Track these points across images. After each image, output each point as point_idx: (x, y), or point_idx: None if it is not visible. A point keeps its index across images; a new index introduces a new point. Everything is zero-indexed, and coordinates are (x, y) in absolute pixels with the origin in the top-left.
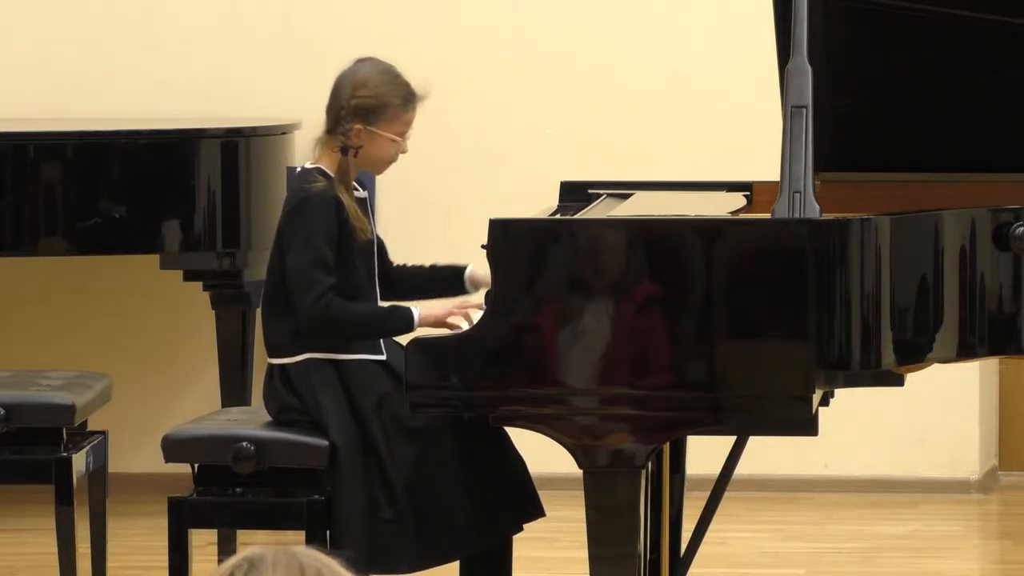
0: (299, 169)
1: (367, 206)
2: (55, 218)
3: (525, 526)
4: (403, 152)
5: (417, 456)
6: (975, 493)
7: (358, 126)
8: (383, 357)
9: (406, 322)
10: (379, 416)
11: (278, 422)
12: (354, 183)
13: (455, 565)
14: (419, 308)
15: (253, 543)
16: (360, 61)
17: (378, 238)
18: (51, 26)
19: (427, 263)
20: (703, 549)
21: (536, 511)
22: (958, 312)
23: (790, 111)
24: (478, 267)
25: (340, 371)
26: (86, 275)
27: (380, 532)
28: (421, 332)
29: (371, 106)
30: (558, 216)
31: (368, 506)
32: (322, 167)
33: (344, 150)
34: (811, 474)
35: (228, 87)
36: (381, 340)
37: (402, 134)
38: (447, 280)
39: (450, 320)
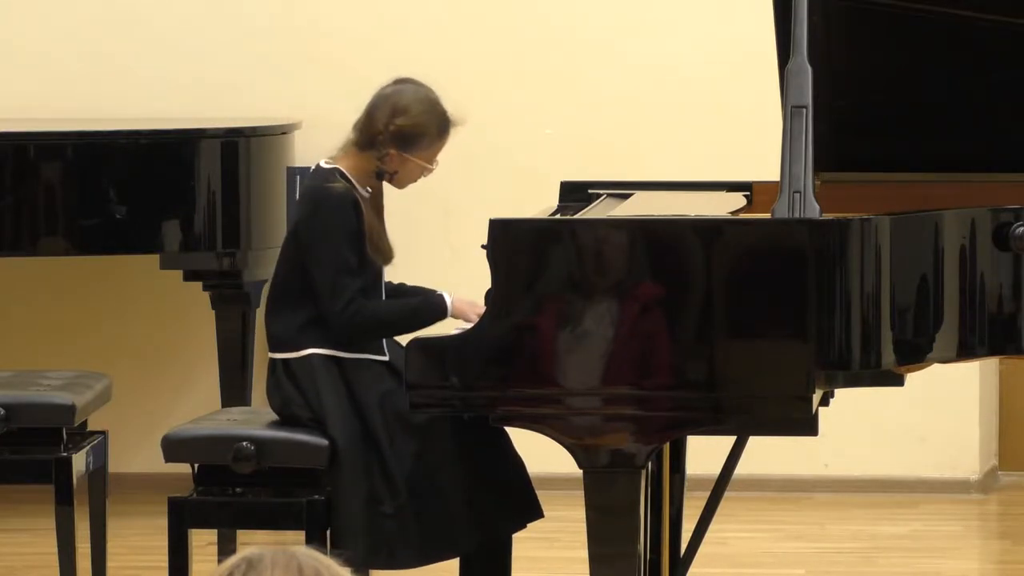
0: (315, 166)
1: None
2: (55, 218)
3: (526, 527)
4: (430, 173)
5: (418, 452)
6: (975, 493)
7: (393, 151)
8: (386, 358)
9: (440, 312)
10: (381, 412)
11: (280, 416)
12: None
13: (454, 565)
14: (451, 295)
15: (253, 543)
16: (401, 83)
17: None
18: (51, 26)
19: (429, 264)
20: (703, 549)
21: (535, 512)
22: (958, 312)
23: (790, 111)
24: (463, 295)
25: (342, 368)
26: (86, 275)
27: (381, 527)
28: (421, 332)
29: (409, 135)
30: (558, 216)
31: (369, 500)
32: (341, 168)
33: (379, 175)
34: (811, 474)
35: (228, 87)
36: (384, 340)
37: (432, 160)
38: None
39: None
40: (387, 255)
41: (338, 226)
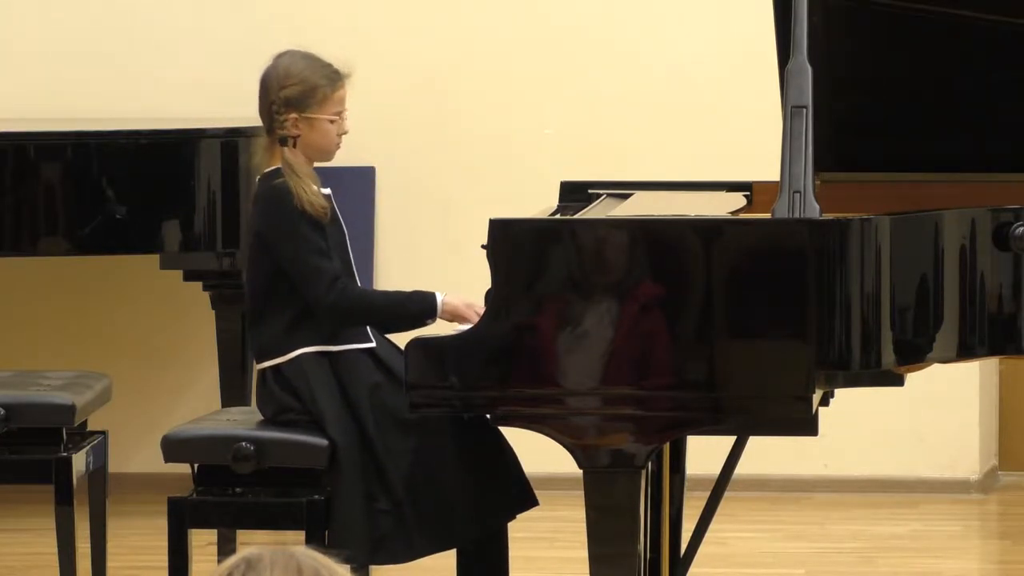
0: (259, 177)
1: (332, 202)
2: (55, 218)
3: (525, 527)
4: (344, 132)
5: (412, 447)
6: (975, 493)
7: (293, 115)
8: (372, 345)
9: (429, 306)
10: (372, 409)
11: (275, 423)
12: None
13: (452, 559)
14: (443, 294)
15: (252, 543)
16: (278, 56)
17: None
18: (51, 26)
19: (429, 263)
20: (703, 549)
21: (530, 499)
22: (958, 312)
23: (790, 111)
24: (454, 296)
25: (333, 363)
26: (86, 275)
27: (378, 523)
28: (421, 331)
29: (300, 93)
30: (558, 216)
31: (366, 498)
32: (279, 167)
33: (283, 141)
34: (811, 474)
35: (228, 87)
36: (369, 329)
37: (338, 114)
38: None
39: (469, 316)
40: (317, 209)
41: (293, 216)
